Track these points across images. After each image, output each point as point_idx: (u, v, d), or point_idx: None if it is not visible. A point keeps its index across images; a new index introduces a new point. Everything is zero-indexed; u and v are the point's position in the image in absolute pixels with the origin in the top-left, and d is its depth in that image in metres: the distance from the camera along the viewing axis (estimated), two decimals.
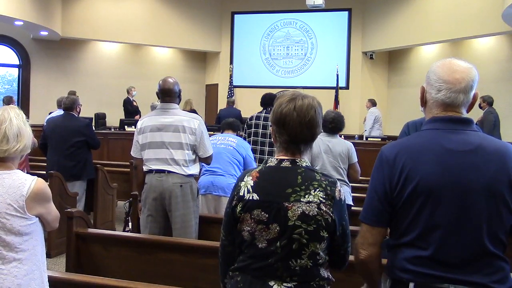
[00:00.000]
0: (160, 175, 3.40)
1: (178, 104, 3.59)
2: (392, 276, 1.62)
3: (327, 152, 4.08)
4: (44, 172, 5.14)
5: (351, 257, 1.75)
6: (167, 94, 3.51)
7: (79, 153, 5.15)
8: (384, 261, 1.69)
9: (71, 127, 5.15)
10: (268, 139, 4.98)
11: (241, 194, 1.67)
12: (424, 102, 1.69)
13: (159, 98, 3.57)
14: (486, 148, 1.56)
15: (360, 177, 4.37)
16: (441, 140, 1.58)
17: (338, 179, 4.08)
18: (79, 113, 5.43)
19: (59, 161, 5.09)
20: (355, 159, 4.19)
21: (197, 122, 3.46)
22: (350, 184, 4.28)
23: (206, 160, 3.56)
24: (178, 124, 3.41)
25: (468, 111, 1.66)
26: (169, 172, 3.39)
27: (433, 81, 1.63)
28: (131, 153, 3.60)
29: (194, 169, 3.50)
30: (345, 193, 1.75)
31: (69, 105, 5.26)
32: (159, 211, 3.45)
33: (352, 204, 4.12)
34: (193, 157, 3.48)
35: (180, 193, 3.39)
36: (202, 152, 3.47)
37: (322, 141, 4.09)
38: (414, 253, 1.56)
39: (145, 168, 3.47)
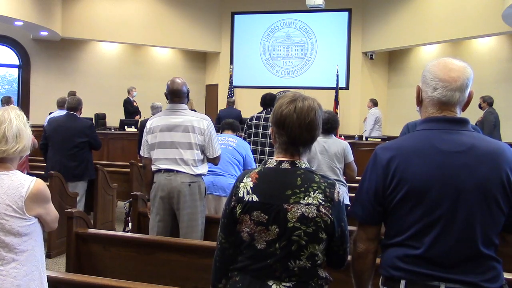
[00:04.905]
0: (169, 174, 3.42)
1: (187, 104, 3.62)
2: (385, 274, 1.64)
3: (323, 152, 4.08)
4: (43, 173, 5.14)
5: (349, 257, 1.76)
6: (176, 95, 3.54)
7: (81, 154, 5.15)
8: (378, 260, 1.71)
9: (74, 127, 5.14)
10: (268, 140, 4.99)
11: (240, 195, 1.67)
12: (419, 101, 1.70)
13: (167, 99, 3.60)
14: (479, 148, 1.56)
15: (357, 177, 4.37)
16: (435, 141, 1.59)
17: (334, 180, 4.08)
18: (80, 113, 5.44)
19: (61, 161, 5.09)
20: (351, 158, 4.18)
21: (206, 122, 3.49)
22: (347, 184, 4.28)
23: (214, 161, 3.58)
24: (188, 124, 3.44)
25: (463, 110, 1.67)
26: (177, 171, 3.42)
27: (429, 79, 1.64)
28: (140, 152, 3.64)
29: (203, 169, 3.53)
30: (343, 193, 1.75)
31: (75, 105, 5.25)
32: (166, 210, 3.48)
33: (349, 204, 4.12)
34: (202, 157, 3.51)
35: (188, 192, 3.41)
36: (210, 153, 3.50)
37: (318, 142, 4.07)
38: (405, 252, 1.58)
39: (153, 168, 3.51)
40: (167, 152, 3.44)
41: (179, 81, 3.57)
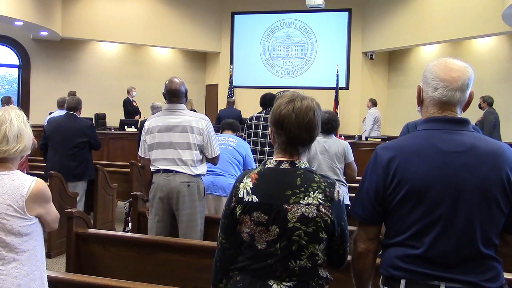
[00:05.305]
0: (168, 174, 3.41)
1: (186, 104, 3.60)
2: (385, 273, 1.65)
3: (323, 152, 4.08)
4: (43, 173, 5.14)
5: (349, 256, 1.76)
6: (174, 95, 3.52)
7: (81, 154, 5.16)
8: (378, 260, 1.72)
9: (74, 127, 5.14)
10: (268, 140, 4.99)
11: (240, 195, 1.67)
12: (420, 101, 1.70)
13: (166, 99, 3.58)
14: (480, 148, 1.57)
15: (358, 177, 4.37)
16: (435, 141, 1.59)
17: (335, 180, 4.08)
18: (80, 113, 5.44)
19: (61, 161, 5.09)
20: (351, 158, 4.19)
21: (204, 122, 3.48)
22: (347, 184, 4.28)
23: (213, 161, 3.57)
24: (186, 125, 3.43)
25: (464, 110, 1.67)
26: (176, 172, 3.40)
27: (429, 79, 1.64)
28: (139, 153, 3.62)
29: (202, 169, 3.52)
30: (343, 193, 1.76)
31: (75, 105, 5.25)
32: (165, 210, 3.47)
33: (350, 204, 4.12)
34: (201, 157, 3.50)
35: (187, 192, 3.40)
36: (209, 152, 3.49)
37: (318, 142, 4.07)
38: (405, 252, 1.58)
39: (152, 168, 3.49)
40: (166, 152, 3.43)
41: (177, 80, 3.55)
